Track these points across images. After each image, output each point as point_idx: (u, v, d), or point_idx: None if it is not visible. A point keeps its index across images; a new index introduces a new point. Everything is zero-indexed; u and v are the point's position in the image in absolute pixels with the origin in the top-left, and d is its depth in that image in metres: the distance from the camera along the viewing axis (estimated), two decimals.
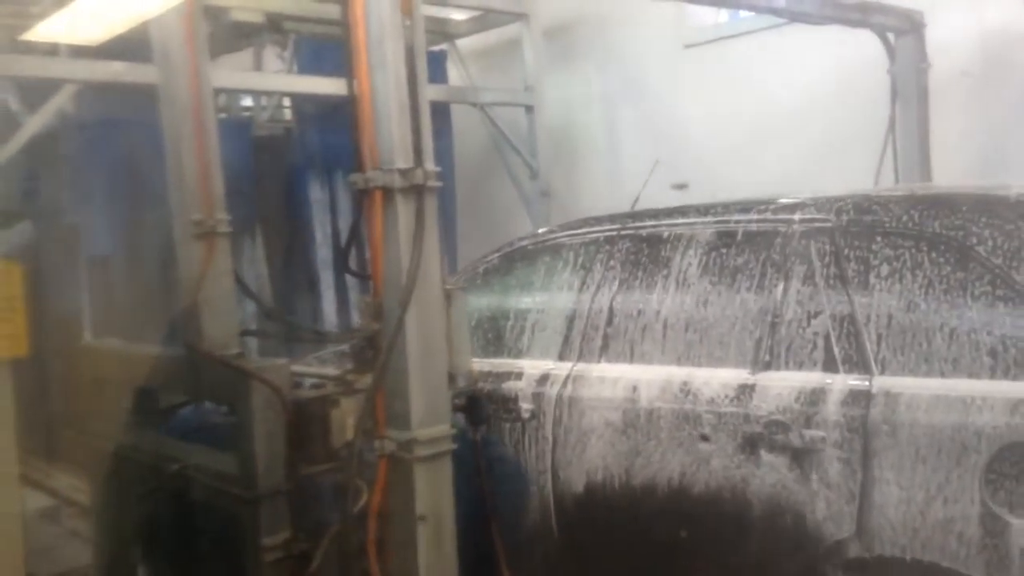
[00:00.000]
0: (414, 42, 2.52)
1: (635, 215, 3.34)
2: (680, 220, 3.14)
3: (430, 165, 2.52)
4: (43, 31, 3.52)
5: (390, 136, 2.48)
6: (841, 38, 5.27)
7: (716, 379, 2.81)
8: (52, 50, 4.76)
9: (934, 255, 2.53)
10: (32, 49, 4.57)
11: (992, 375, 2.35)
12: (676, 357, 2.93)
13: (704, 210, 3.12)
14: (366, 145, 2.51)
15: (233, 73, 5.80)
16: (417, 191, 2.49)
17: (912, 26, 5.12)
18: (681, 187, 5.95)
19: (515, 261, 3.60)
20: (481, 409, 2.84)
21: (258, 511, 2.87)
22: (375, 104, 2.49)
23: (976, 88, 5.17)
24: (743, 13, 6.04)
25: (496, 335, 3.46)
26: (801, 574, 2.57)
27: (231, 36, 6.03)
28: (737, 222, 2.97)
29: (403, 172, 2.47)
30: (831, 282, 2.68)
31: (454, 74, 6.92)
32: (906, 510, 2.40)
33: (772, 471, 2.62)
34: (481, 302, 3.57)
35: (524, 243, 3.62)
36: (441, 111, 6.49)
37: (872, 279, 2.61)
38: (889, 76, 5.22)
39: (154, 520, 3.45)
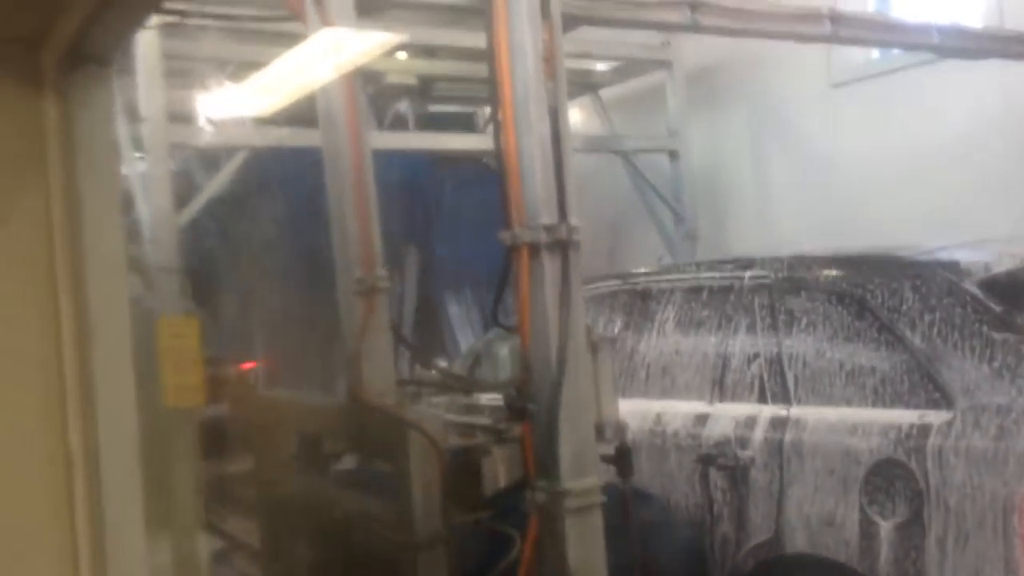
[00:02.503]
0: (557, 103, 2.61)
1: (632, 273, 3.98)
2: (664, 277, 3.79)
3: (574, 220, 2.59)
4: (223, 105, 3.83)
5: (535, 193, 2.57)
6: (1002, 71, 5.03)
7: (683, 410, 3.37)
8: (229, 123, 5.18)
9: (839, 308, 3.02)
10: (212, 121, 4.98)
11: (872, 405, 2.84)
12: (658, 392, 3.52)
13: (683, 268, 3.82)
14: (513, 202, 2.61)
15: (390, 135, 6.08)
16: (562, 246, 2.56)
17: None
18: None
19: None
20: (630, 461, 2.85)
21: (417, 558, 2.97)
22: (521, 163, 2.59)
23: None
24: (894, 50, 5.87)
25: None
26: (737, 568, 3.10)
27: (380, 98, 6.37)
28: (707, 278, 3.55)
29: (548, 228, 2.55)
30: (767, 330, 3.20)
31: (597, 123, 7.03)
32: (809, 515, 2.90)
33: (719, 483, 3.18)
34: None
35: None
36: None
37: (795, 327, 3.12)
38: None
39: (320, 564, 3.62)
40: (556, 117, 2.61)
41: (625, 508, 2.84)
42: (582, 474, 2.57)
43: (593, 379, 2.67)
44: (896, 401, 2.78)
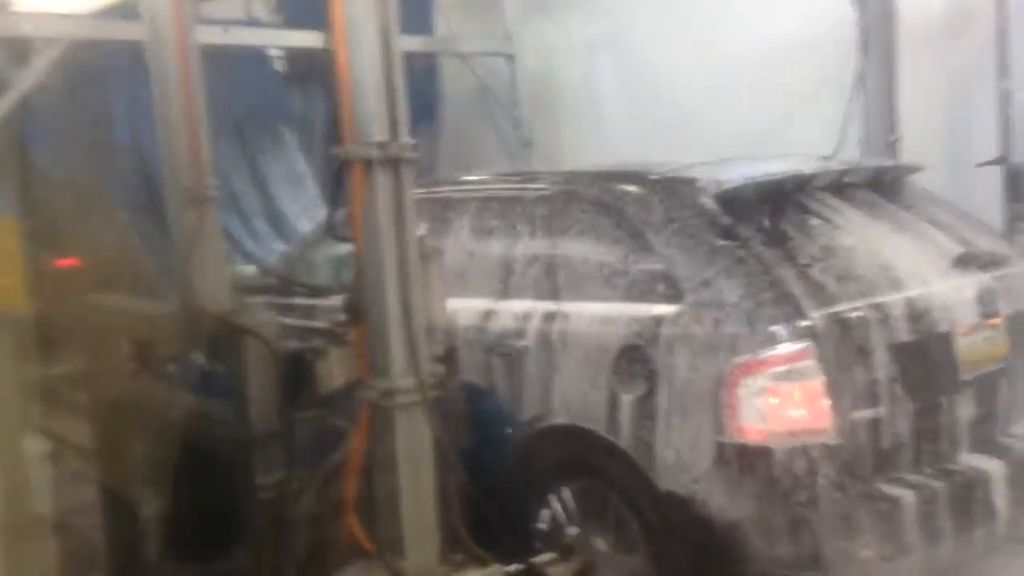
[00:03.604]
0: (388, 20, 2.67)
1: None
2: (461, 188, 4.10)
3: (406, 138, 2.69)
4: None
5: (368, 110, 2.65)
6: None
7: (473, 306, 3.69)
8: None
9: (603, 217, 3.42)
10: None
11: (623, 301, 3.26)
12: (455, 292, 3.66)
13: (477, 180, 4.14)
14: (345, 118, 2.68)
15: (221, 31, 5.82)
16: (394, 163, 2.67)
17: None
18: None
19: None
20: (456, 361, 3.07)
21: (253, 453, 3.12)
22: (352, 79, 2.65)
23: (943, 41, 5.30)
24: None
25: None
26: (514, 438, 3.53)
27: None
28: (498, 190, 3.91)
29: (380, 145, 2.64)
30: (545, 236, 3.58)
31: (439, 24, 7.00)
32: (570, 392, 3.34)
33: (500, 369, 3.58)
34: None
35: None
36: (429, 60, 6.60)
37: (568, 234, 3.51)
38: (858, 28, 5.33)
39: (158, 462, 3.69)
40: (387, 33, 2.67)
41: (454, 402, 3.09)
42: (412, 374, 2.75)
43: (424, 286, 2.83)
44: (642, 297, 3.21)
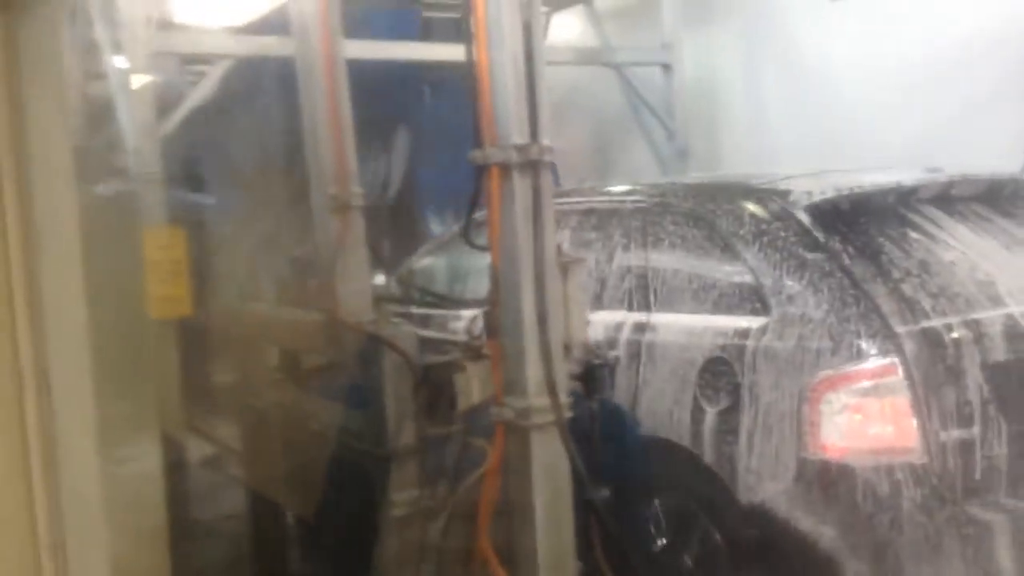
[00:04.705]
0: (531, 17, 2.56)
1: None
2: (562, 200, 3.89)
3: (546, 140, 2.56)
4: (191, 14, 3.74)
5: (507, 112, 2.53)
6: None
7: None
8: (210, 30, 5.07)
9: (695, 229, 3.40)
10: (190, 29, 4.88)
11: (712, 312, 3.23)
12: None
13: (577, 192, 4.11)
14: (484, 121, 2.58)
15: (366, 44, 5.90)
16: (533, 166, 2.54)
17: None
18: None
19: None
20: (597, 379, 2.90)
21: (388, 468, 3.05)
22: (492, 80, 2.55)
23: None
24: None
25: None
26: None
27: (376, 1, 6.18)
28: (598, 202, 3.88)
29: (519, 148, 2.52)
30: (639, 247, 3.57)
31: (587, 33, 6.89)
32: (656, 403, 3.28)
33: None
34: None
35: None
36: None
37: (661, 246, 3.50)
38: None
39: (302, 472, 3.71)
40: (530, 32, 2.55)
41: (592, 423, 2.91)
42: (549, 392, 2.60)
43: (562, 299, 2.68)
44: (730, 309, 3.19)
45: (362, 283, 3.34)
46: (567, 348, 2.69)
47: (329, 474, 3.45)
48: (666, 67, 6.65)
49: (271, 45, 4.77)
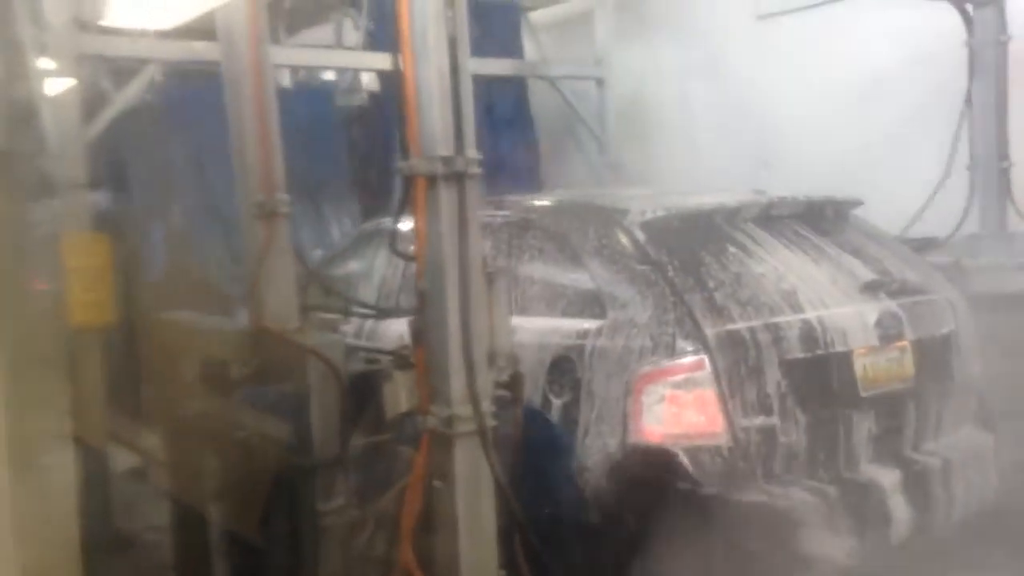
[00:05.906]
0: (456, 32, 2.59)
1: None
2: None
3: (472, 153, 2.59)
4: (118, 17, 3.67)
5: (432, 124, 2.56)
6: (919, 10, 5.11)
7: None
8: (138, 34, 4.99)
9: (551, 243, 3.75)
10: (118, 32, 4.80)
11: (562, 316, 3.55)
12: None
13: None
14: (411, 133, 2.60)
15: (294, 51, 5.85)
16: (458, 178, 2.57)
17: None
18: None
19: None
20: (522, 388, 2.94)
21: (314, 479, 3.03)
22: (418, 93, 2.57)
23: None
24: None
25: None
26: None
27: (313, 9, 6.16)
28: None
29: (445, 160, 2.55)
30: (505, 258, 3.85)
31: (528, 47, 6.96)
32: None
33: None
34: None
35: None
36: (517, 82, 6.54)
37: (523, 256, 3.82)
38: (967, 49, 5.04)
39: (225, 483, 3.66)
40: (455, 46, 2.58)
41: (516, 431, 2.95)
42: (473, 401, 2.62)
43: (487, 309, 2.71)
44: (576, 314, 3.52)
45: (288, 291, 3.32)
46: (492, 357, 2.72)
47: (254, 484, 3.41)
48: (599, 81, 6.74)
49: (199, 50, 4.73)
